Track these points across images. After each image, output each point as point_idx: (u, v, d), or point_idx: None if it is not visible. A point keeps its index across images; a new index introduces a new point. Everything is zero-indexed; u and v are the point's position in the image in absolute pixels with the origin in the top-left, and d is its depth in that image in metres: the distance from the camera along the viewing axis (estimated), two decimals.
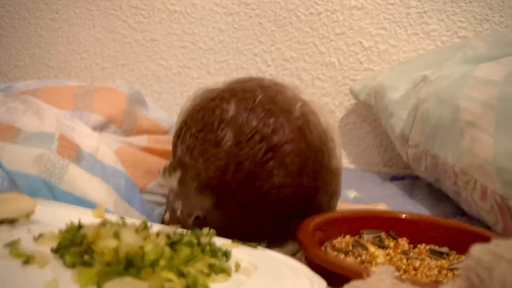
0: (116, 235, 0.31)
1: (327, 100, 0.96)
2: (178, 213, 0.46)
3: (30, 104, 0.52)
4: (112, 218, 0.42)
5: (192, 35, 1.01)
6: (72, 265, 0.30)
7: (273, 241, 0.50)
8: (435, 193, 0.74)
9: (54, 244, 0.33)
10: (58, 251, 0.32)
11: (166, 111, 1.02)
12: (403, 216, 0.53)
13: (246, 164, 0.45)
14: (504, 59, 0.65)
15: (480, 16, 0.86)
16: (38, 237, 0.34)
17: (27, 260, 0.30)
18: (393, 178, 0.86)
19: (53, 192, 0.46)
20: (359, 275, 0.34)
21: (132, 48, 1.05)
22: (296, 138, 0.46)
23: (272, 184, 0.45)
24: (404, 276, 0.42)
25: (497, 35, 0.77)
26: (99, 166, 0.49)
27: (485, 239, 0.48)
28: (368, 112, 0.94)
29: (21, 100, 0.53)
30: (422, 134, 0.70)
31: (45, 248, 0.32)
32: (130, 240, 0.30)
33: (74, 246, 0.31)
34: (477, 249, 0.26)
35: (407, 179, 0.84)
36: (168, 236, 0.34)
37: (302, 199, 0.47)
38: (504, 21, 0.85)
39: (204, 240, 0.36)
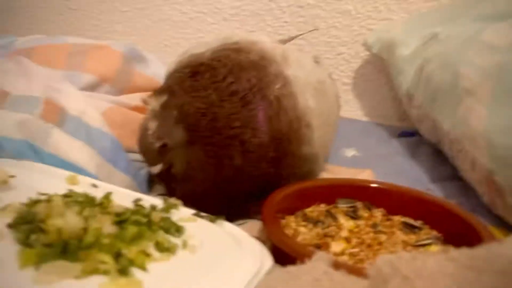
0: (62, 215, 0.33)
1: (343, 49, 0.93)
2: (150, 132, 0.47)
3: (21, 66, 0.54)
4: (85, 185, 0.44)
5: None
6: (22, 243, 0.32)
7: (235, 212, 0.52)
8: (438, 154, 0.72)
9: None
10: (13, 226, 0.34)
11: None
12: (379, 186, 0.53)
13: (215, 142, 0.46)
14: None
15: None
16: (2, 209, 0.37)
17: None
18: (403, 134, 0.84)
19: (39, 155, 0.48)
20: (301, 257, 0.36)
21: None
22: (262, 129, 0.46)
23: (232, 167, 0.46)
24: (352, 260, 0.43)
25: None
26: (84, 129, 0.51)
27: (456, 216, 0.48)
28: (384, 64, 0.91)
29: (15, 61, 0.55)
30: (425, 96, 0.67)
31: (6, 221, 0.35)
32: (72, 221, 0.32)
33: (26, 223, 0.34)
34: (382, 259, 0.26)
35: (416, 135, 0.82)
36: (117, 214, 0.36)
37: (263, 183, 0.48)
38: None
39: (156, 216, 0.37)
